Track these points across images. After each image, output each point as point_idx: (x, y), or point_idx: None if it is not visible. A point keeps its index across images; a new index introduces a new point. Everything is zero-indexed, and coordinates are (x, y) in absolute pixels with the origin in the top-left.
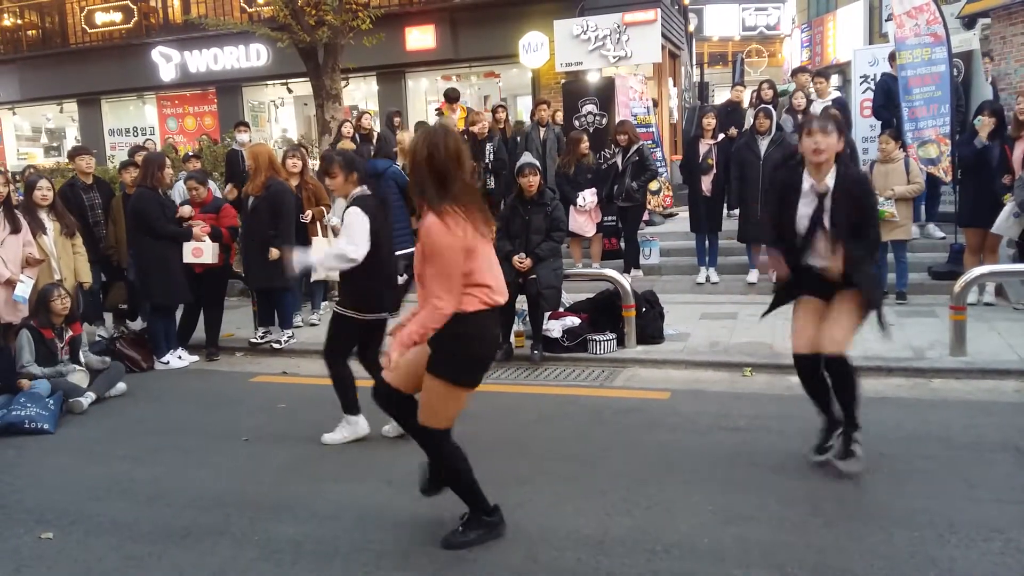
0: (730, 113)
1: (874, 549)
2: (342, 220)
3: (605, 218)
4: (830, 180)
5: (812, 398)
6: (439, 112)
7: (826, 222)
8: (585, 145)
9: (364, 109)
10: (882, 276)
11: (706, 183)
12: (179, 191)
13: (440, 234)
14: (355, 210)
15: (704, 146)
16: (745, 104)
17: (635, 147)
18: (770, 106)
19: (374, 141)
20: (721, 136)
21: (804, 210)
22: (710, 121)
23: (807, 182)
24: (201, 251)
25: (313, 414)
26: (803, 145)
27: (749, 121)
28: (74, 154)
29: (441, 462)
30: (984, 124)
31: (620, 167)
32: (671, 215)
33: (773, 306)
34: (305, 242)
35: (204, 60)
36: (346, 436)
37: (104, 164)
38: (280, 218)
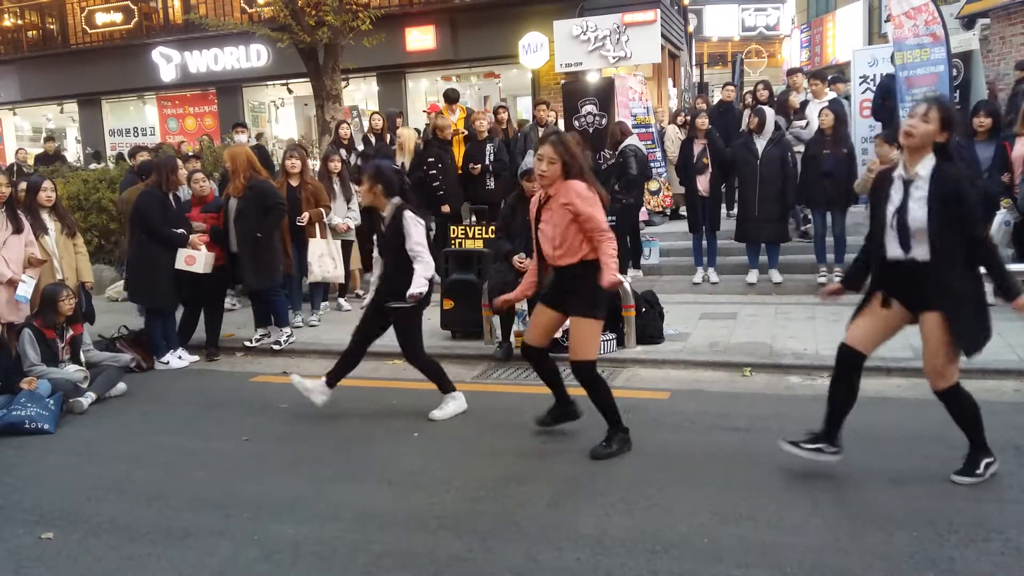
0: (722, 113)
1: (874, 549)
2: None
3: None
4: (922, 169)
5: (828, 399)
6: (429, 114)
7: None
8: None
9: (364, 109)
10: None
11: (702, 183)
12: (182, 191)
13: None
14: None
15: (698, 146)
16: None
17: (620, 148)
18: (764, 106)
19: (377, 141)
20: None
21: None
22: (703, 121)
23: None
24: (194, 259)
25: (313, 414)
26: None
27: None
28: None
29: (594, 387)
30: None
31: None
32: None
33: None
34: (303, 244)
35: (204, 60)
36: (455, 410)
37: (104, 164)
38: (269, 211)
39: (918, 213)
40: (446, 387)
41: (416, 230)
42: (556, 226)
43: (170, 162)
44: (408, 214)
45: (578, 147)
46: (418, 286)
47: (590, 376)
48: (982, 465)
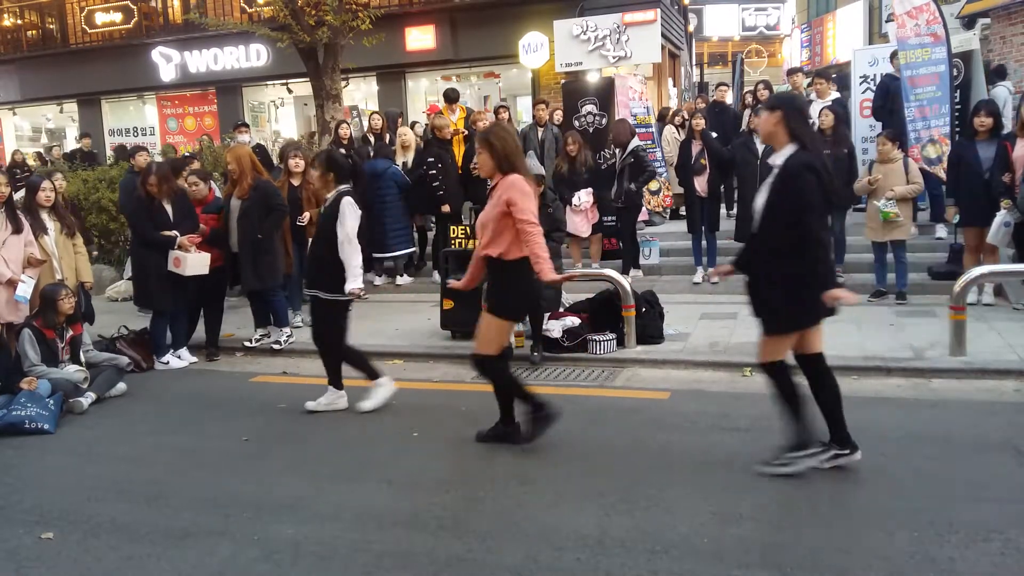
0: (718, 114)
1: (874, 549)
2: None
3: (605, 218)
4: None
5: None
6: (428, 115)
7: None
8: (572, 145)
9: (363, 109)
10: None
11: (700, 183)
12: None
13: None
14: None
15: (696, 147)
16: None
17: (630, 148)
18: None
19: (377, 140)
20: (713, 135)
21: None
22: (699, 122)
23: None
24: (180, 261)
25: (313, 414)
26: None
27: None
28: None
29: (490, 380)
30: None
31: (618, 168)
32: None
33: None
34: (304, 243)
35: (204, 60)
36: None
37: (104, 164)
38: (272, 211)
39: (761, 198)
40: (373, 375)
41: (351, 217)
42: (489, 213)
43: (147, 169)
44: (347, 200)
45: (511, 138)
46: (356, 281)
47: (483, 369)
48: (798, 455)
